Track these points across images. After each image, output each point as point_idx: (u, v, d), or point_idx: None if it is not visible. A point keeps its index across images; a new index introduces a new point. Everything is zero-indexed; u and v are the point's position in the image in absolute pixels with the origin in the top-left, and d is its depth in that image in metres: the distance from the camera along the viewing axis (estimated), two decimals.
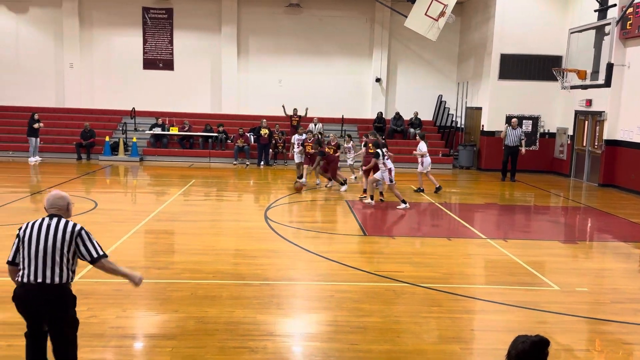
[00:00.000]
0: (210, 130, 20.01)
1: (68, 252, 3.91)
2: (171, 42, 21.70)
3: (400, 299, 6.57)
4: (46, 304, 3.86)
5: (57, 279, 3.85)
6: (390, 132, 20.98)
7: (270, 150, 19.15)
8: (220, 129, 19.88)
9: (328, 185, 14.52)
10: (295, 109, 20.27)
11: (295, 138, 15.88)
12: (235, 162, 19.03)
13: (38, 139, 18.35)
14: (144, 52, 21.64)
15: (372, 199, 12.38)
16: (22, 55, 21.34)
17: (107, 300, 6.13)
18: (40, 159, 18.33)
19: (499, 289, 7.04)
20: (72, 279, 4.02)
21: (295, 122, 19.47)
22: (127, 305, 6.11)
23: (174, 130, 19.80)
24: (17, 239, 3.95)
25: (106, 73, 21.67)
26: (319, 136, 15.86)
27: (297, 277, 7.35)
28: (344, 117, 21.27)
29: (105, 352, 5.02)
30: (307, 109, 20.17)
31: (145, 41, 21.58)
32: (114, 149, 19.09)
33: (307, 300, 6.51)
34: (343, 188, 14.02)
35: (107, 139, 19.14)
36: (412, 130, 21.14)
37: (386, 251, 8.77)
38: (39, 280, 3.82)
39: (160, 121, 20.19)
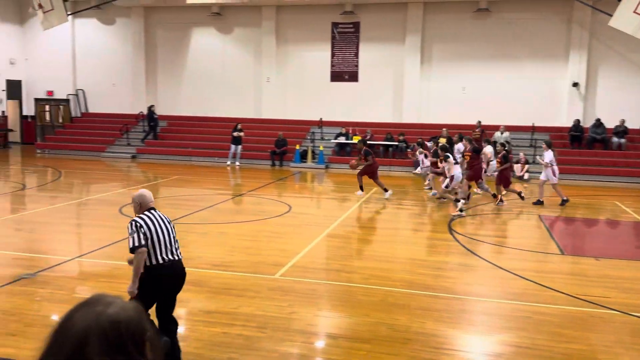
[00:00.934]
0: (390, 139, 20.26)
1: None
2: (357, 55, 22.47)
3: (609, 327, 5.94)
4: (182, 274, 4.83)
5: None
6: (589, 141, 19.14)
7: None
8: (401, 137, 20.00)
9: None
10: (479, 121, 19.57)
11: (456, 148, 15.32)
12: (415, 172, 18.97)
13: (240, 146, 20.39)
14: (332, 66, 22.73)
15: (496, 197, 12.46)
16: (226, 71, 23.86)
17: (304, 299, 6.53)
18: (239, 164, 20.32)
19: None
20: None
21: (477, 135, 18.73)
22: (322, 305, 6.44)
23: (357, 139, 20.40)
24: (141, 230, 4.55)
25: (298, 86, 23.21)
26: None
27: (488, 294, 7.06)
28: (535, 125, 19.96)
29: (305, 347, 5.34)
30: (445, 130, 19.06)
31: (333, 55, 22.67)
32: (303, 156, 20.35)
33: (501, 319, 6.21)
34: (387, 194, 13.44)
35: (297, 147, 20.49)
36: (615, 139, 19.02)
37: (590, 273, 7.99)
38: (178, 257, 4.76)
39: (344, 130, 21.01)
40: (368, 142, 15.63)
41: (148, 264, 4.58)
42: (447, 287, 7.14)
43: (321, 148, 20.45)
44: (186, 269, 4.87)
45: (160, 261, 4.59)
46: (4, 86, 24.79)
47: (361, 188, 13.78)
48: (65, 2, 19.92)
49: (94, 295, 1.36)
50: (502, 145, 13.51)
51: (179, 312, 5.13)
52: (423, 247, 9.35)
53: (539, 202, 12.97)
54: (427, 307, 6.39)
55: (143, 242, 4.51)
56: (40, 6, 19.94)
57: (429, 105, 21.92)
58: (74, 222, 11.10)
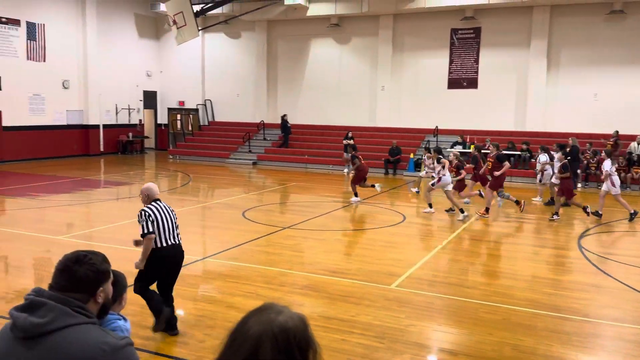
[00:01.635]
0: (512, 148, 19.38)
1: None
2: (477, 61, 21.82)
3: None
4: (182, 258, 5.68)
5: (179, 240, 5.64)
6: None
7: (579, 170, 17.47)
8: (524, 147, 19.06)
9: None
10: (616, 131, 18.11)
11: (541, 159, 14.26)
12: (582, 185, 17.92)
13: (350, 155, 20.65)
14: (449, 72, 22.27)
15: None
16: (342, 81, 24.27)
17: (421, 311, 6.45)
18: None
19: None
20: None
21: (610, 144, 17.33)
22: (440, 319, 6.33)
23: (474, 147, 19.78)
24: (150, 219, 5.38)
25: (413, 94, 23.02)
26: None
27: (625, 319, 6.51)
28: None
29: None
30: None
31: (451, 61, 22.21)
32: (417, 165, 20.10)
33: (638, 346, 5.71)
34: (354, 199, 13.79)
35: (411, 156, 20.30)
36: None
37: None
38: (178, 242, 5.58)
39: (461, 139, 20.46)
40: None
41: (154, 246, 5.42)
42: (577, 309, 6.69)
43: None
44: (304, 274, 5.04)
45: (164, 244, 5.46)
46: (141, 96, 27.20)
47: (355, 195, 14.02)
48: (196, 18, 21.47)
49: (266, 304, 1.50)
50: (564, 154, 12.61)
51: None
52: (548, 265, 8.83)
53: (597, 214, 12.11)
54: (555, 328, 6.04)
55: (152, 229, 5.37)
56: (174, 22, 21.64)
57: (555, 112, 20.72)
58: (201, 224, 11.88)
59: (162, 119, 28.45)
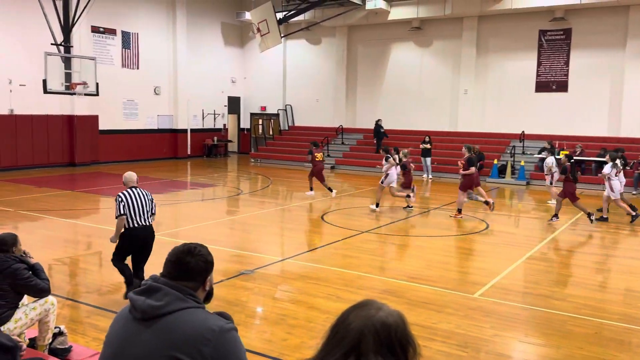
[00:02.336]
0: (605, 154, 18.23)
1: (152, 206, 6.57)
2: (567, 63, 20.81)
3: None
4: (151, 238, 6.51)
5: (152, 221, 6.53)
6: None
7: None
8: (619, 153, 17.87)
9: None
10: None
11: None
12: (634, 192, 16.85)
13: (429, 159, 20.32)
14: (537, 75, 21.38)
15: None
16: (423, 85, 23.94)
17: (507, 322, 6.22)
18: (432, 177, 20.22)
19: None
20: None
21: None
22: (528, 330, 6.07)
23: (564, 154, 18.81)
24: (123, 202, 6.31)
25: (497, 97, 22.30)
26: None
27: None
28: None
29: None
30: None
31: (539, 64, 21.31)
32: (502, 171, 19.43)
33: None
34: (310, 193, 14.71)
35: (495, 161, 19.65)
36: None
37: None
38: (148, 223, 6.41)
39: (550, 145, 19.52)
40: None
41: (127, 226, 6.32)
42: None
43: (522, 163, 19.30)
44: (383, 278, 5.02)
45: (135, 225, 6.32)
46: (226, 102, 28.19)
47: (310, 189, 15.05)
48: (279, 25, 21.99)
49: (365, 300, 1.51)
50: (567, 156, 12.52)
51: None
52: None
53: (603, 219, 12.15)
54: None
55: (122, 212, 6.29)
56: (258, 30, 22.28)
57: None
58: (281, 225, 12.11)
59: (245, 123, 29.33)
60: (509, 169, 19.30)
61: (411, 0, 22.63)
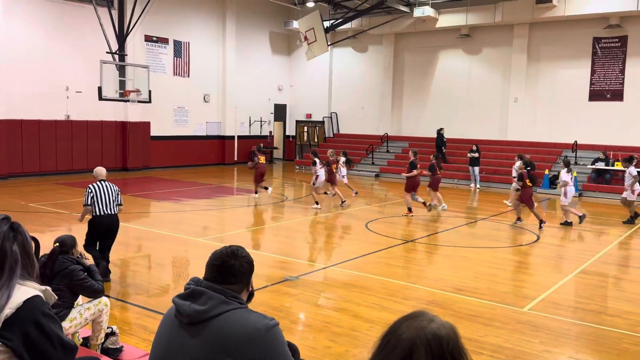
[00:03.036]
0: None
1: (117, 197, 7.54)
2: (622, 71, 20.07)
3: None
4: (115, 225, 7.54)
5: (117, 211, 7.52)
6: None
7: None
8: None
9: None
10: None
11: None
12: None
13: (477, 168, 19.93)
14: (591, 83, 20.70)
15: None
16: (471, 92, 23.56)
17: (557, 338, 6.01)
18: (479, 187, 19.83)
19: None
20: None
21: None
22: (579, 347, 5.85)
23: (619, 166, 18.15)
24: (92, 194, 7.34)
25: (548, 106, 21.72)
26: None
27: None
28: None
29: None
30: None
31: (593, 72, 20.64)
32: (553, 182, 18.86)
33: None
34: (255, 196, 15.73)
35: (546, 172, 19.10)
36: None
37: None
38: (113, 212, 7.42)
39: (604, 155, 18.88)
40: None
41: (95, 214, 7.33)
42: None
43: (575, 174, 18.64)
44: (428, 289, 4.95)
45: (101, 213, 7.33)
46: (272, 109, 28.53)
47: (256, 192, 15.83)
48: (326, 34, 22.13)
49: (416, 311, 1.50)
50: (525, 163, 13.60)
51: None
52: None
53: (567, 223, 12.80)
54: None
55: (89, 202, 7.34)
56: (305, 39, 22.49)
57: None
58: (325, 233, 12.12)
59: (290, 130, 29.59)
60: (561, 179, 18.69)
61: (460, 8, 22.36)
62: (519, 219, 12.75)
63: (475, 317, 6.48)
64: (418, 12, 22.60)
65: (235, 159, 26.51)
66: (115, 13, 17.75)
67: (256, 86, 27.19)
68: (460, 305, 6.94)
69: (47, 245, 4.66)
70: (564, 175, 13.04)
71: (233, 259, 2.24)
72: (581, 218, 13.05)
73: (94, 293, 4.66)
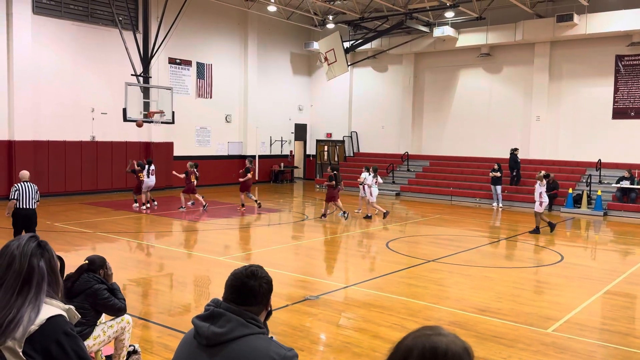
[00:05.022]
0: None
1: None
2: None
3: None
4: (33, 216, 9.56)
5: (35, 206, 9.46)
6: None
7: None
8: None
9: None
10: None
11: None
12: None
13: (499, 187, 19.73)
14: (614, 101, 20.45)
15: None
16: (492, 111, 23.44)
17: (582, 358, 5.89)
18: (502, 206, 19.63)
19: None
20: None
21: None
22: None
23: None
24: (17, 191, 9.34)
25: (571, 124, 21.49)
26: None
27: None
28: None
29: None
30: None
31: (616, 90, 20.40)
32: (577, 201, 18.58)
33: None
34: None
35: (570, 190, 18.84)
36: None
37: None
38: (32, 207, 9.42)
39: (629, 174, 18.55)
40: None
41: (17, 207, 9.32)
42: None
43: (599, 193, 18.39)
44: (450, 310, 4.88)
45: (22, 207, 9.35)
46: (292, 129, 28.74)
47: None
48: (346, 54, 22.33)
49: (434, 326, 1.51)
50: (332, 168, 16.61)
51: None
52: None
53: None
54: None
55: (15, 197, 9.31)
56: (326, 59, 22.72)
57: None
58: (345, 252, 12.10)
59: (311, 150, 29.73)
60: (584, 199, 18.43)
61: (480, 27, 22.39)
62: (324, 215, 15.70)
63: (498, 338, 6.38)
64: (438, 32, 22.69)
65: (256, 179, 26.66)
66: (140, 36, 18.19)
67: (277, 106, 27.46)
68: (483, 326, 6.84)
69: (71, 264, 4.75)
70: (538, 188, 14.11)
71: (252, 280, 2.24)
72: (551, 227, 14.05)
73: (117, 311, 4.73)
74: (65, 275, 4.58)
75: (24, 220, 9.45)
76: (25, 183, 9.53)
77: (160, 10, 19.41)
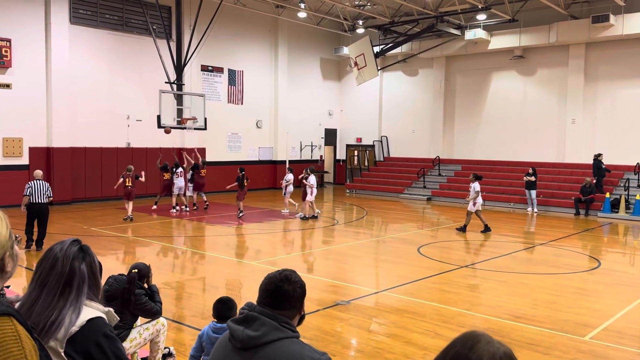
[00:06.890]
0: None
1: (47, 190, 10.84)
2: None
3: None
4: (45, 210, 10.88)
5: (47, 201, 10.88)
6: None
7: None
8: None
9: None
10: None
11: None
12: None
13: (533, 192, 19.34)
14: None
15: None
16: (526, 114, 23.04)
17: None
18: (537, 211, 19.24)
19: None
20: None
21: None
22: None
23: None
24: (29, 188, 10.63)
25: (608, 127, 20.96)
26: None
27: None
28: None
29: None
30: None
31: None
32: (614, 206, 18.09)
33: None
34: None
35: (607, 195, 18.36)
36: None
37: None
38: (43, 202, 10.72)
39: None
40: None
41: (30, 202, 10.57)
42: None
43: (637, 197, 17.87)
44: (484, 316, 4.80)
45: (35, 201, 10.61)
46: (323, 134, 28.80)
47: (155, 203, 18.36)
48: (376, 59, 22.30)
49: (471, 333, 1.48)
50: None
51: None
52: None
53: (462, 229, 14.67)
54: None
55: (28, 193, 10.58)
56: (355, 64, 22.73)
57: None
58: (376, 257, 12.05)
59: (341, 154, 29.74)
60: (622, 204, 17.93)
61: (513, 29, 22.06)
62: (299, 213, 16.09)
63: (533, 346, 6.26)
64: (470, 35, 22.46)
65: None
66: (173, 45, 18.54)
67: (307, 111, 27.58)
68: (518, 333, 6.72)
69: (108, 267, 4.86)
70: (477, 187, 14.45)
71: (287, 284, 2.25)
72: (485, 229, 14.47)
73: (153, 314, 4.82)
74: (107, 281, 4.70)
75: (36, 213, 10.75)
76: (37, 181, 10.72)
77: (193, 18, 19.75)
